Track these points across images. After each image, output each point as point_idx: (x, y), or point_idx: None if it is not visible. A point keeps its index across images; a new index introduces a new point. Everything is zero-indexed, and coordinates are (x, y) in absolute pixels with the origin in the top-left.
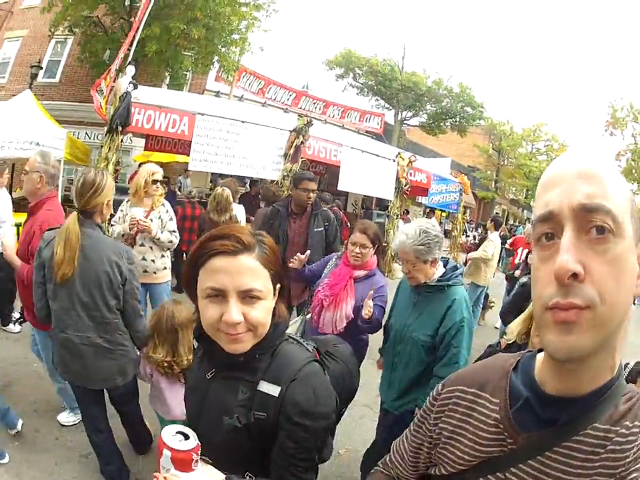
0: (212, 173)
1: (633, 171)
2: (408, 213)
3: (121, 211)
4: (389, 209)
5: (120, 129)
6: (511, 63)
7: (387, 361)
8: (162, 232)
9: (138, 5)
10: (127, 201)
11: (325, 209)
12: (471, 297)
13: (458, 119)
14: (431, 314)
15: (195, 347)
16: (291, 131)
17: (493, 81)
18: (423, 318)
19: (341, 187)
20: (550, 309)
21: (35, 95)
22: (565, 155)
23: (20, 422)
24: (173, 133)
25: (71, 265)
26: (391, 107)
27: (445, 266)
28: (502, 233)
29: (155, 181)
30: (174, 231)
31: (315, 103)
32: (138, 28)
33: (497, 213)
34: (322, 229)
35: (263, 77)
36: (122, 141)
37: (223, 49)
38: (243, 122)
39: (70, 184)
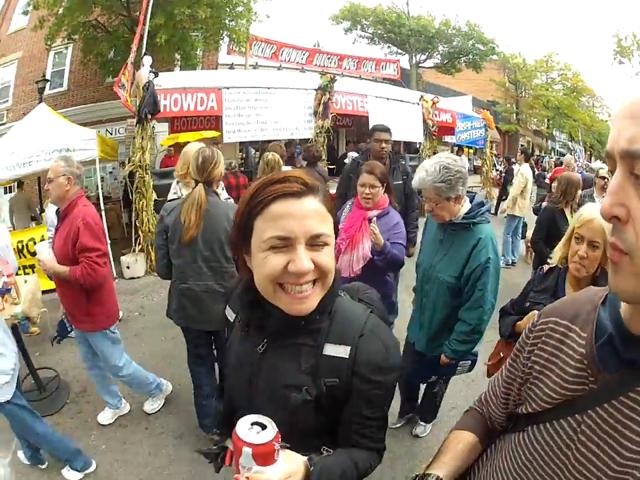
0: (240, 143)
1: None
2: (436, 153)
3: (175, 193)
4: (420, 151)
5: (149, 117)
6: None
7: (417, 300)
8: None
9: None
10: (178, 182)
11: (403, 162)
12: (508, 228)
13: (471, 57)
14: (457, 254)
15: (234, 319)
16: (316, 90)
17: (500, 15)
18: (448, 258)
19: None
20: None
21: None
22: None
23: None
24: (202, 110)
25: (198, 227)
26: (404, 52)
27: (471, 201)
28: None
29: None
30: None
31: (329, 58)
32: (145, 21)
33: (522, 145)
34: (400, 182)
35: (275, 41)
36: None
37: (232, 23)
38: (268, 88)
39: (102, 181)
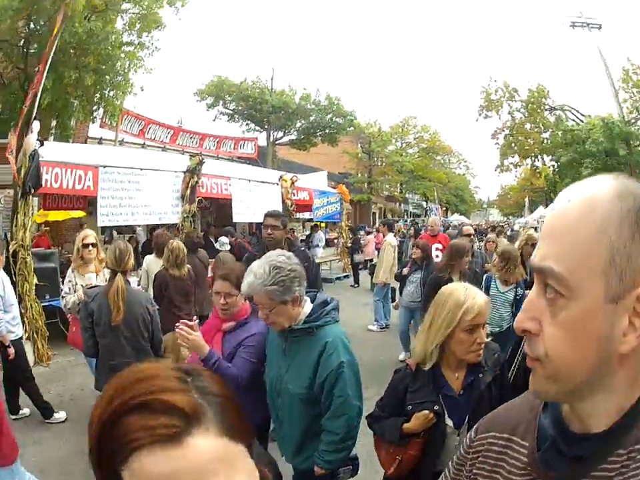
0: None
1: (513, 144)
2: (293, 231)
3: (70, 281)
4: None
5: (33, 191)
6: (378, 65)
7: (272, 414)
8: None
9: (34, 52)
10: (72, 270)
11: (302, 249)
12: (379, 295)
13: (327, 131)
14: (303, 362)
15: None
16: (185, 172)
17: (362, 86)
18: (295, 368)
19: (236, 218)
20: None
21: None
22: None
23: None
24: (80, 189)
25: (122, 312)
26: (262, 129)
27: (312, 301)
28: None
29: (85, 245)
30: None
31: (191, 137)
32: (41, 79)
33: (373, 213)
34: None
35: (143, 117)
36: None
37: (111, 93)
38: (141, 169)
39: None
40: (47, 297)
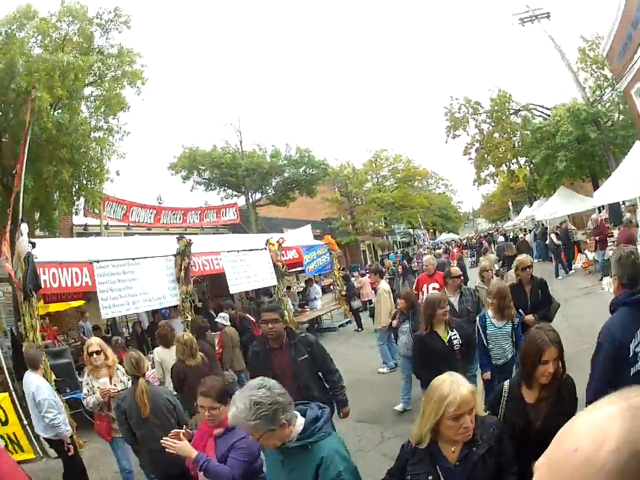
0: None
1: (485, 155)
2: (290, 288)
3: (87, 384)
4: (274, 292)
5: (34, 293)
6: (341, 107)
7: None
8: None
9: (6, 141)
10: (88, 374)
11: (303, 334)
12: (381, 339)
13: (303, 183)
14: (302, 475)
15: None
16: (175, 255)
17: (329, 130)
18: (294, 479)
19: (232, 290)
20: None
21: None
22: None
23: None
24: (79, 286)
25: (148, 407)
26: (239, 193)
27: (303, 414)
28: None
29: (90, 354)
30: None
31: (174, 214)
32: (20, 184)
33: (363, 250)
34: (306, 355)
35: (124, 201)
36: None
37: (89, 183)
38: (133, 259)
39: None
40: (68, 390)
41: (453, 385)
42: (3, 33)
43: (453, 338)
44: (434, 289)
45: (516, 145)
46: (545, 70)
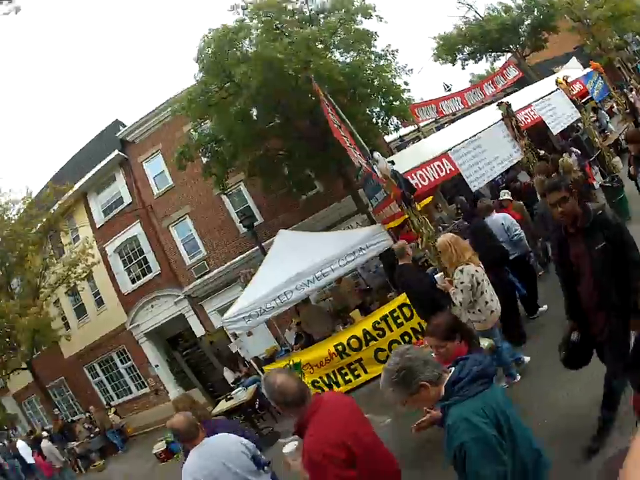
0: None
1: None
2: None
3: None
4: (581, 126)
5: (412, 197)
6: None
7: None
8: None
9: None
10: None
11: (600, 211)
12: None
13: (542, 24)
14: (445, 442)
15: None
16: (502, 119)
17: None
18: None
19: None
20: None
21: None
22: None
23: None
24: (444, 175)
25: None
26: (502, 53)
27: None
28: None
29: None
30: None
31: (473, 92)
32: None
33: (618, 67)
34: (603, 243)
35: (431, 101)
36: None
37: (392, 104)
38: (474, 135)
39: None
40: None
41: None
42: None
43: None
44: None
45: None
46: None
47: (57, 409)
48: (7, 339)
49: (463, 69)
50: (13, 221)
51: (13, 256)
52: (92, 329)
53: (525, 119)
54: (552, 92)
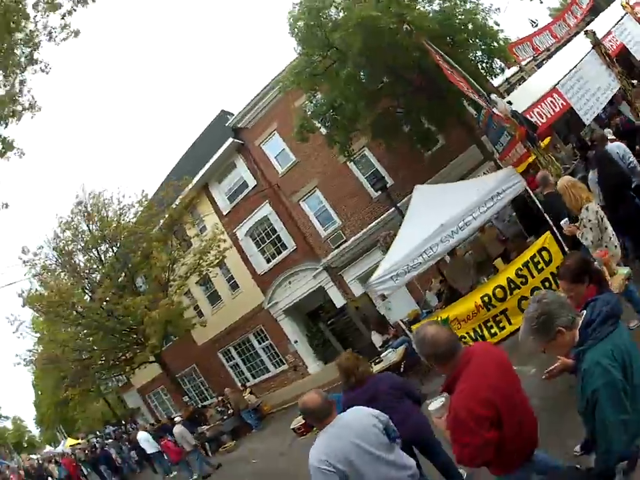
0: None
1: None
2: None
3: None
4: None
5: (536, 134)
6: None
7: None
8: None
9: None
10: None
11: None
12: None
13: None
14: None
15: None
16: (593, 48)
17: None
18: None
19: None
20: None
21: None
22: None
23: None
24: (558, 110)
25: None
26: None
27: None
28: None
29: None
30: None
31: (559, 25)
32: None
33: None
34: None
35: (525, 38)
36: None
37: (494, 44)
38: (575, 66)
39: None
40: None
41: None
42: None
43: None
44: None
45: None
46: None
47: (186, 397)
48: (134, 336)
49: (541, 2)
50: (131, 224)
51: (136, 256)
52: (227, 313)
53: (611, 46)
54: (622, 16)
